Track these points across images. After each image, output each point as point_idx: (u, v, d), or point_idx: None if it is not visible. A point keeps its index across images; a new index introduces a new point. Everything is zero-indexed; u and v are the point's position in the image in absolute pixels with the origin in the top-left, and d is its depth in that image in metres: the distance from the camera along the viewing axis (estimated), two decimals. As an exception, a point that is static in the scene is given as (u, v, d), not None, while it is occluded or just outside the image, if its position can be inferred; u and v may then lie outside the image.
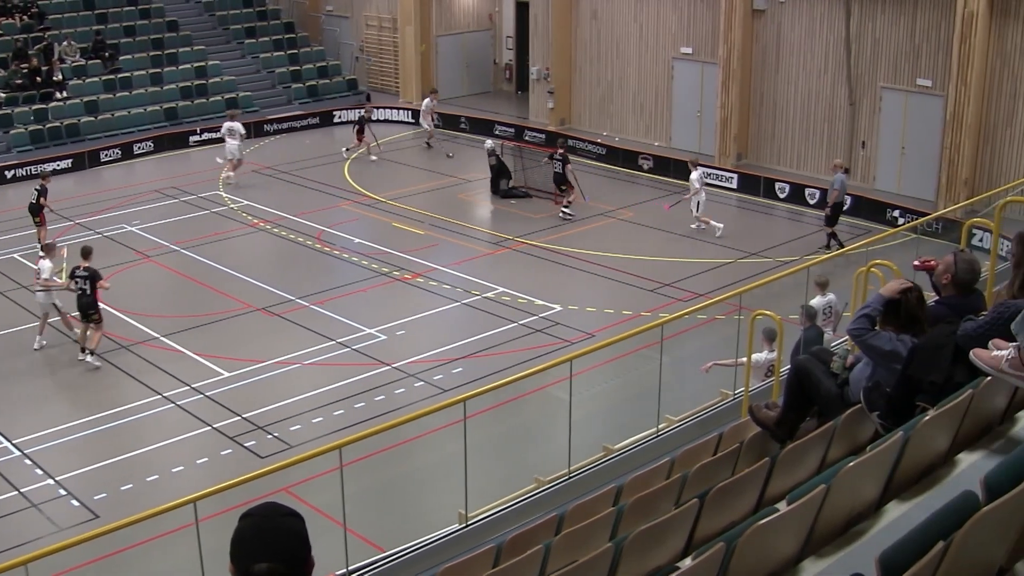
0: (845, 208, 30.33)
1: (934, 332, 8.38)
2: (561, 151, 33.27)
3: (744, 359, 17.20)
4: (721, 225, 30.37)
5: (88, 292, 22.84)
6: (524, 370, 17.32)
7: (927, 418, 7.24)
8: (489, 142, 35.06)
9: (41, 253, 24.15)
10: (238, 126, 36.59)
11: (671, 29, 38.55)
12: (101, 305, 23.20)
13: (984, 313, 8.28)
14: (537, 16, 42.62)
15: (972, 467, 7.30)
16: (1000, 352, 7.32)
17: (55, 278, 23.75)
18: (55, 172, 35.08)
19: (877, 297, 9.01)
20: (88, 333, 23.11)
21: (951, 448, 7.53)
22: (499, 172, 35.09)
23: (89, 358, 22.83)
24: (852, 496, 6.91)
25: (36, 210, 29.37)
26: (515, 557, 9.37)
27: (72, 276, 23.18)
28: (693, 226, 31.01)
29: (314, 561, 4.29)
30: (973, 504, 5.21)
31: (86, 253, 23.35)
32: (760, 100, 36.40)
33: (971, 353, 7.56)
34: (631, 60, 40.02)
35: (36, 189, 29.53)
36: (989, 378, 7.45)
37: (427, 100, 41.79)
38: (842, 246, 27.79)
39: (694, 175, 30.81)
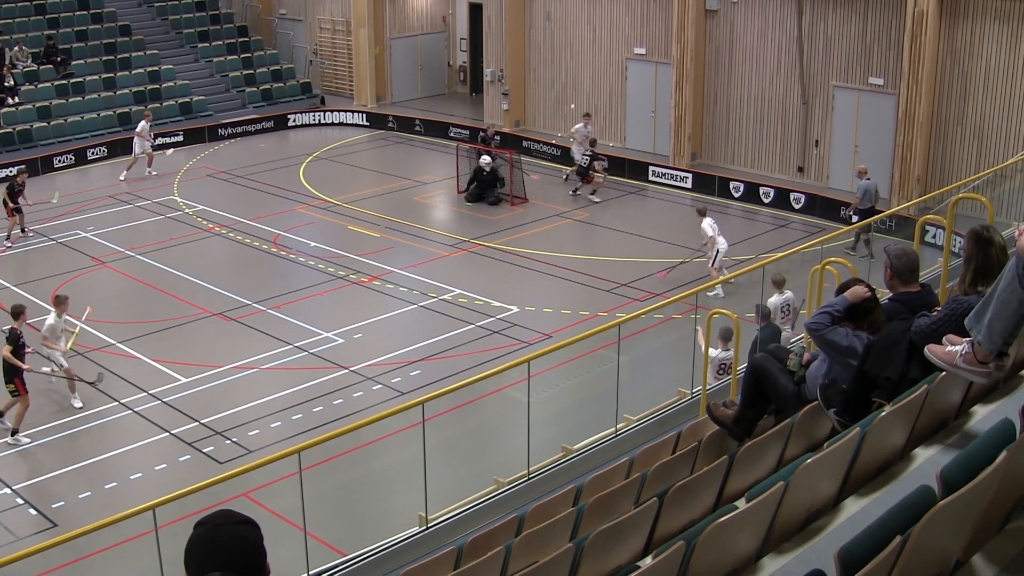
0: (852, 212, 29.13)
1: (888, 329, 8.45)
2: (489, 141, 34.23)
3: (703, 343, 17.31)
4: (720, 292, 25.28)
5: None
6: (482, 372, 17.30)
7: (883, 414, 7.30)
8: (486, 158, 34.76)
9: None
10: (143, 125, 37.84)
11: (624, 30, 38.63)
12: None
13: (937, 309, 8.36)
14: (491, 18, 42.62)
15: (928, 462, 7.37)
16: (954, 347, 7.39)
17: (63, 339, 21.46)
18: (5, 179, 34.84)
19: (842, 299, 9.07)
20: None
21: (907, 443, 7.59)
22: (490, 183, 34.90)
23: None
24: (810, 493, 6.95)
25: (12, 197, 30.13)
26: (476, 559, 9.39)
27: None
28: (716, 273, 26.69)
29: (270, 568, 4.25)
30: (930, 498, 5.26)
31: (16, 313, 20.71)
32: (714, 100, 36.54)
33: (925, 349, 7.63)
34: (585, 61, 40.08)
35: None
36: (944, 373, 7.52)
37: (579, 126, 36.78)
38: (865, 247, 27.01)
39: (704, 223, 26.95)
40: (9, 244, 30.41)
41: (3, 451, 19.71)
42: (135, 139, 37.88)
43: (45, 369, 21.40)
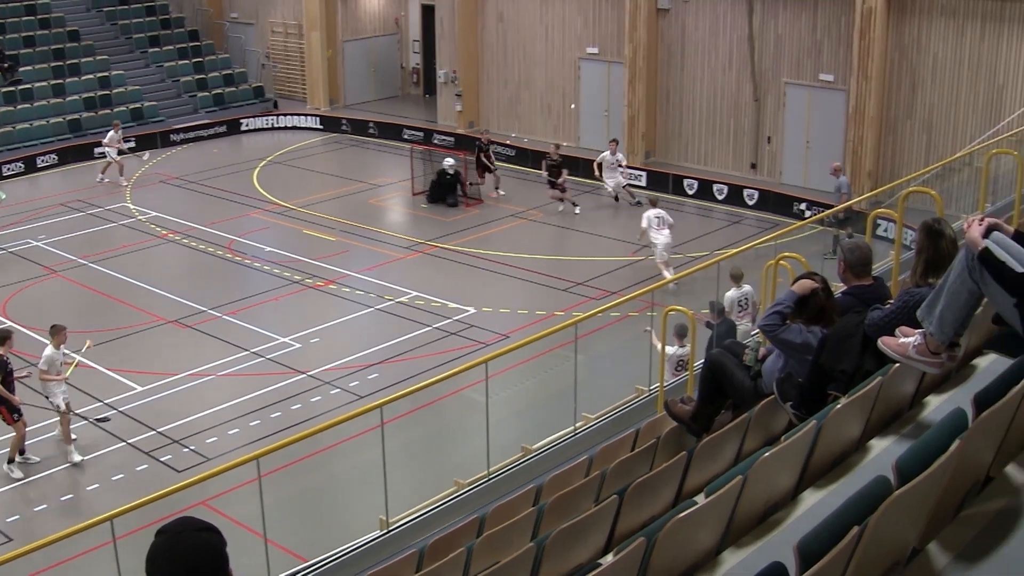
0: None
1: (842, 322, 8.52)
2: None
3: (656, 337, 17.37)
4: (672, 286, 24.60)
5: None
6: (440, 373, 17.30)
7: (839, 406, 7.35)
8: (449, 160, 34.59)
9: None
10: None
11: (576, 30, 38.71)
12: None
13: (890, 302, 8.43)
14: (443, 19, 42.62)
15: (884, 452, 7.42)
16: (907, 339, 7.46)
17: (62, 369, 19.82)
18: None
19: (789, 294, 9.14)
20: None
21: (863, 435, 7.65)
22: (451, 186, 34.68)
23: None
24: (769, 486, 7.00)
25: None
26: (438, 561, 9.41)
27: None
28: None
29: (233, 575, 4.26)
30: (886, 488, 5.31)
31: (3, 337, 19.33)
32: (667, 98, 36.65)
33: (879, 341, 7.69)
34: (538, 61, 40.13)
35: None
36: (897, 365, 7.58)
37: (605, 153, 33.88)
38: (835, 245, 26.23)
39: (644, 214, 27.56)
40: None
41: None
42: (106, 149, 37.72)
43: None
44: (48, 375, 19.44)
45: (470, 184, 34.63)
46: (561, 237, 31.19)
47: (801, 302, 9.05)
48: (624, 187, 33.56)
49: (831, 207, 27.59)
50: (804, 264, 14.63)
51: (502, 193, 34.81)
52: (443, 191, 34.31)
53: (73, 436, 19.70)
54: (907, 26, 30.72)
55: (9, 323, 22.64)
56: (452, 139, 40.84)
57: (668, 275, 25.94)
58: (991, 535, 5.86)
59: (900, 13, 30.76)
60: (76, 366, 20.61)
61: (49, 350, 19.52)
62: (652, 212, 27.37)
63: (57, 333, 19.70)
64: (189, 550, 4.13)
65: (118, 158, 37.44)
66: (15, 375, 19.33)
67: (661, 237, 27.01)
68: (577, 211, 33.17)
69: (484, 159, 35.36)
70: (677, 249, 28.78)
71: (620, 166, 33.69)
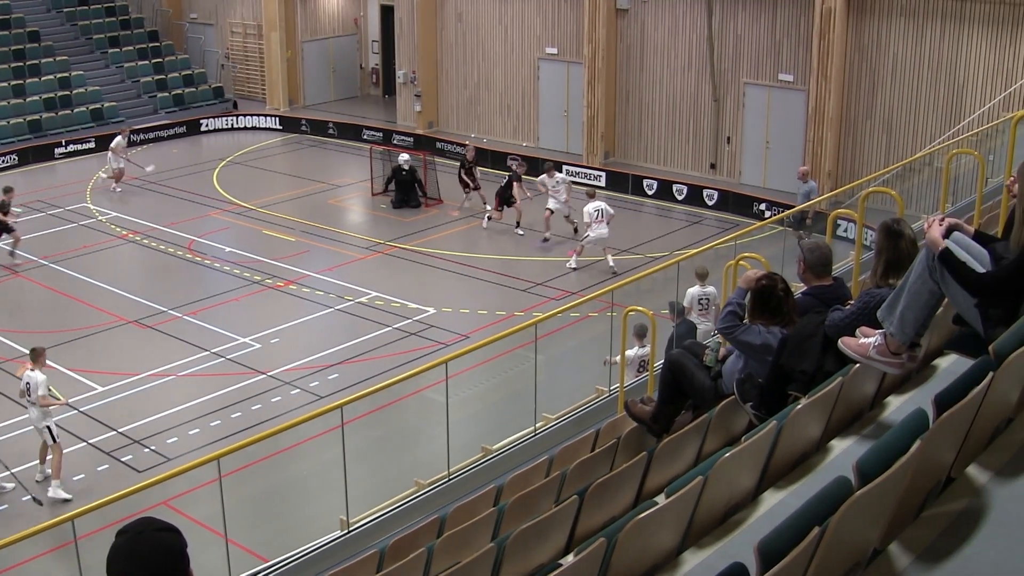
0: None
1: (803, 322, 8.54)
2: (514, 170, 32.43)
3: (617, 357, 17.34)
4: (573, 263, 27.53)
5: None
6: (400, 374, 17.28)
7: (799, 407, 7.36)
8: (404, 156, 34.30)
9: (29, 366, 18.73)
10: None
11: (536, 30, 38.73)
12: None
13: (851, 302, 8.46)
14: (402, 19, 42.56)
15: (844, 453, 7.44)
16: (867, 340, 7.49)
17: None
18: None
19: (737, 291, 9.17)
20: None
21: (824, 435, 7.67)
22: (408, 183, 34.32)
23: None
24: (729, 486, 7.01)
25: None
26: (398, 561, 9.39)
27: None
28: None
29: (193, 575, 4.24)
30: (846, 489, 5.32)
31: None
32: (626, 98, 36.71)
33: (839, 341, 7.72)
34: (497, 61, 40.13)
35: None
36: (858, 365, 7.60)
37: (543, 177, 31.41)
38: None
39: (587, 207, 27.88)
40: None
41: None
42: (110, 154, 36.73)
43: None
44: (49, 399, 18.37)
45: (466, 191, 33.76)
46: (520, 237, 31.15)
47: (758, 300, 9.05)
48: (566, 216, 30.89)
49: (791, 207, 27.67)
50: (765, 264, 14.67)
51: (466, 206, 33.74)
52: (403, 191, 34.05)
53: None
54: (867, 26, 30.88)
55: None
56: (411, 139, 40.79)
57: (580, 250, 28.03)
58: (952, 536, 5.88)
59: (860, 13, 30.92)
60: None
61: (38, 374, 18.34)
62: (591, 206, 27.74)
63: (39, 356, 18.68)
64: (150, 550, 4.11)
65: (121, 166, 36.66)
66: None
67: (598, 230, 27.58)
68: (486, 223, 32.12)
69: (465, 176, 33.36)
70: (636, 250, 28.91)
71: (554, 193, 30.73)
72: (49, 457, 18.46)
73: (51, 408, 18.55)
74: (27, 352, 19.31)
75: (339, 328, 25.09)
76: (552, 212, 30.28)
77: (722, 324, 9.16)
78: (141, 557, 4.09)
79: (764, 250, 19.41)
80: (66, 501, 17.86)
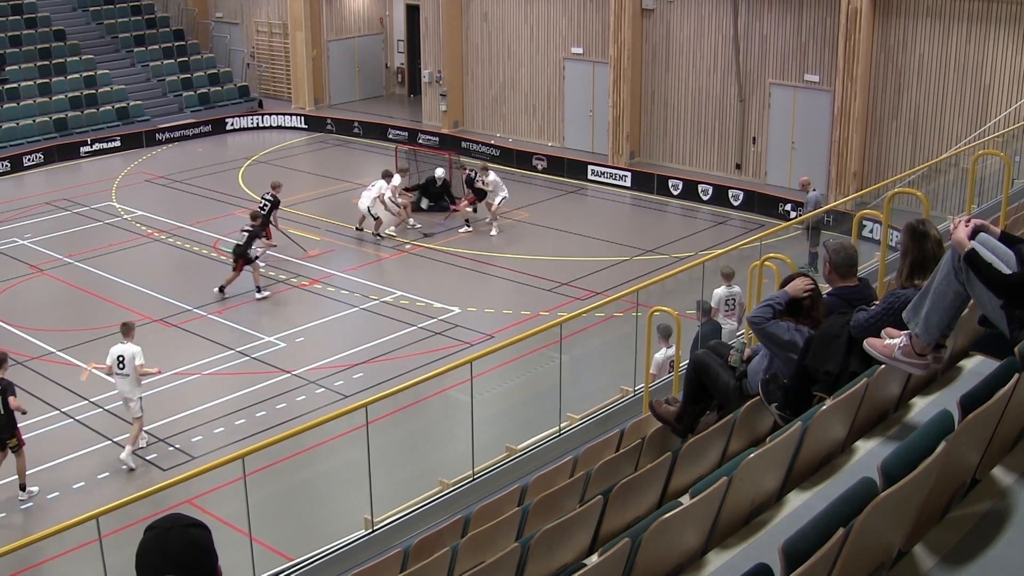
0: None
1: (828, 323, 8.52)
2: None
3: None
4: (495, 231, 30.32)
5: (2, 412, 17.83)
6: (425, 373, 17.29)
7: (824, 408, 7.35)
8: (440, 171, 33.98)
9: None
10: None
11: (561, 30, 38.72)
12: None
13: (876, 303, 8.44)
14: (428, 19, 42.60)
15: (869, 454, 7.43)
16: (892, 340, 7.47)
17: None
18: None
19: (783, 294, 9.14)
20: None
21: (848, 436, 7.66)
22: (438, 195, 34.04)
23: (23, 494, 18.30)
24: (754, 487, 7.00)
25: None
26: (422, 561, 9.39)
27: None
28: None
29: (221, 571, 4.22)
30: (871, 490, 5.32)
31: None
32: (651, 99, 36.68)
33: (865, 342, 7.71)
34: (523, 61, 40.13)
35: None
36: (883, 366, 7.59)
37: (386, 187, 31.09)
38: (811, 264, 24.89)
39: (491, 177, 31.53)
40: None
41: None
42: (386, 196, 31.05)
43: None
44: (145, 368, 19.33)
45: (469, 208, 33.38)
46: (547, 237, 31.16)
47: (792, 303, 9.06)
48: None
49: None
50: (791, 265, 14.64)
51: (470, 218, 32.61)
52: (432, 199, 33.87)
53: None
54: (892, 27, 30.79)
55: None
56: (437, 139, 40.84)
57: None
58: (977, 538, 5.87)
59: (885, 14, 30.83)
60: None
61: (131, 346, 19.38)
62: (492, 176, 31.35)
63: (130, 329, 19.70)
64: (180, 546, 4.12)
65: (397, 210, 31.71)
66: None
67: (501, 194, 31.27)
68: (495, 231, 31.72)
69: (471, 189, 32.40)
70: (661, 250, 28.87)
71: (497, 189, 31.30)
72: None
73: (144, 379, 19.57)
74: (53, 350, 19.44)
75: (364, 327, 25.12)
76: (499, 204, 31.44)
77: (755, 314, 9.13)
78: (171, 552, 4.10)
79: (789, 251, 19.39)
80: (130, 471, 18.92)
